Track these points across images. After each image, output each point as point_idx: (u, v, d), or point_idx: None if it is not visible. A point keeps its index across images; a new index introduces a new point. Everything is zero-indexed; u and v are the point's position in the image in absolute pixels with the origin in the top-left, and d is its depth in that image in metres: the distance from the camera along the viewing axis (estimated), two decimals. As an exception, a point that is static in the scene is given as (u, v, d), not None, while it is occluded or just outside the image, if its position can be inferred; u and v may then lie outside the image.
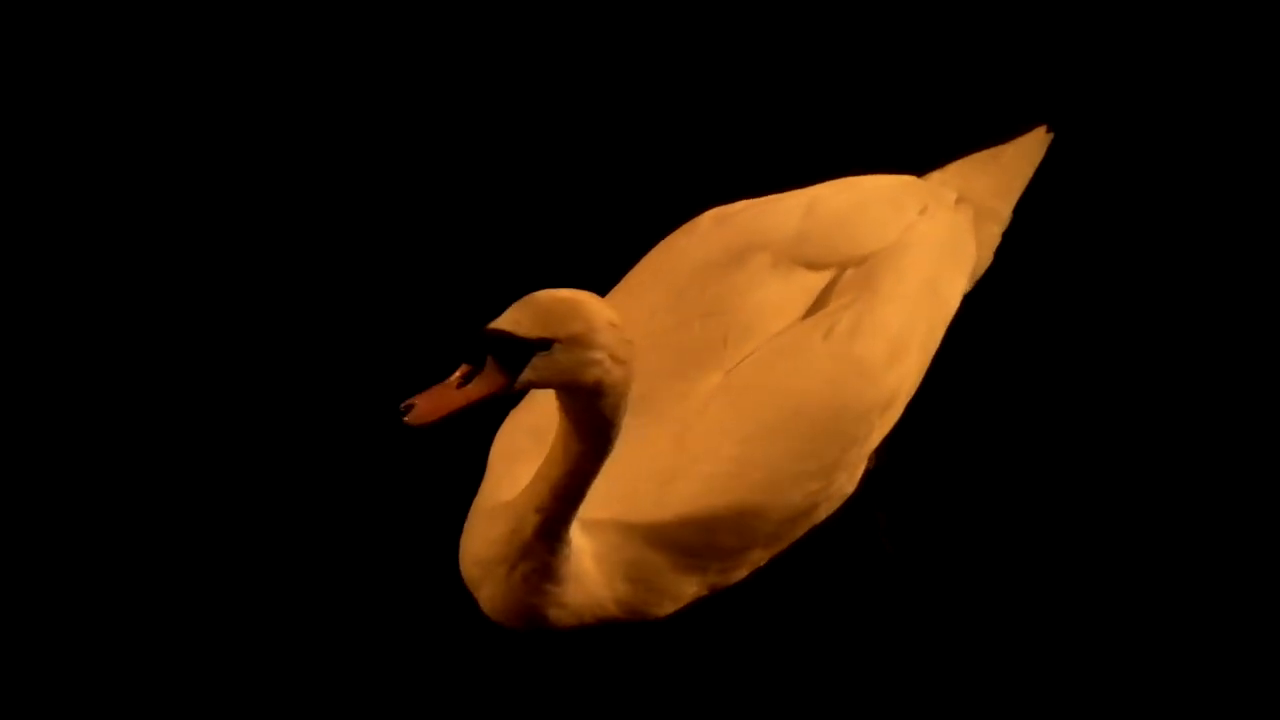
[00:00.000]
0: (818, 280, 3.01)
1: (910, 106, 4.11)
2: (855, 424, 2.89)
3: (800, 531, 2.92)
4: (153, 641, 3.11)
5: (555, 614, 2.81)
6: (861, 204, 3.13)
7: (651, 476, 2.82)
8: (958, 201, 3.25)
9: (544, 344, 2.52)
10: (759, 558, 2.91)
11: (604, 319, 2.55)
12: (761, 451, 2.81)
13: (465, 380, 2.54)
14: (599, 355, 2.54)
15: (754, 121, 4.20)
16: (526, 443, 2.91)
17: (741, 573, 2.91)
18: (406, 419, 2.52)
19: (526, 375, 2.53)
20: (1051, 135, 3.38)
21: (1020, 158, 3.36)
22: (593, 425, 2.62)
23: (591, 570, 2.81)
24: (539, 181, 4.08)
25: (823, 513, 2.94)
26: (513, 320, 2.52)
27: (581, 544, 2.80)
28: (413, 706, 3.01)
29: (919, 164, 3.39)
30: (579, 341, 2.53)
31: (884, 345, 2.93)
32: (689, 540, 2.82)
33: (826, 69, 4.24)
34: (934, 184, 3.30)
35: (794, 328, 2.94)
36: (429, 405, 2.52)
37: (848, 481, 2.95)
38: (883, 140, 4.00)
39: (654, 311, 2.98)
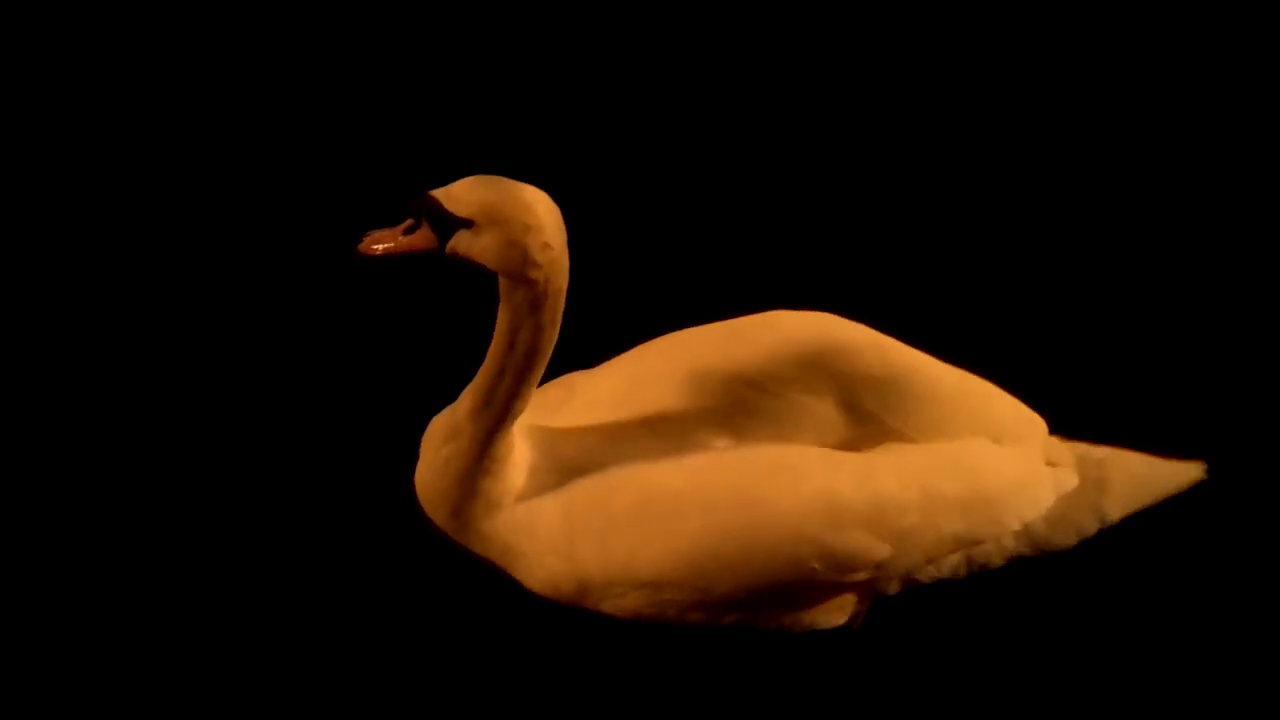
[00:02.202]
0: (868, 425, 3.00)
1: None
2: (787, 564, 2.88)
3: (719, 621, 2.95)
4: (150, 634, 3.09)
5: (473, 509, 2.95)
6: (961, 393, 3.07)
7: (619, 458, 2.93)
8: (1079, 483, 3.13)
9: (466, 222, 2.75)
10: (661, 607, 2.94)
11: (524, 220, 2.73)
12: (715, 541, 2.85)
13: (409, 231, 2.80)
14: (516, 249, 2.74)
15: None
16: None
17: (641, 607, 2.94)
18: (358, 246, 2.80)
19: (452, 244, 2.77)
20: (1205, 476, 3.18)
21: (1166, 480, 3.17)
22: (518, 321, 2.81)
23: (522, 482, 2.95)
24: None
25: (731, 619, 2.95)
26: (447, 193, 2.76)
27: (522, 459, 2.96)
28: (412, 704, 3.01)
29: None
30: (499, 230, 2.73)
31: (866, 504, 2.89)
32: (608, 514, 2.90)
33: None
34: (1060, 445, 3.16)
35: (810, 449, 2.93)
36: (375, 240, 2.81)
37: (770, 616, 2.96)
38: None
39: (712, 360, 3.02)
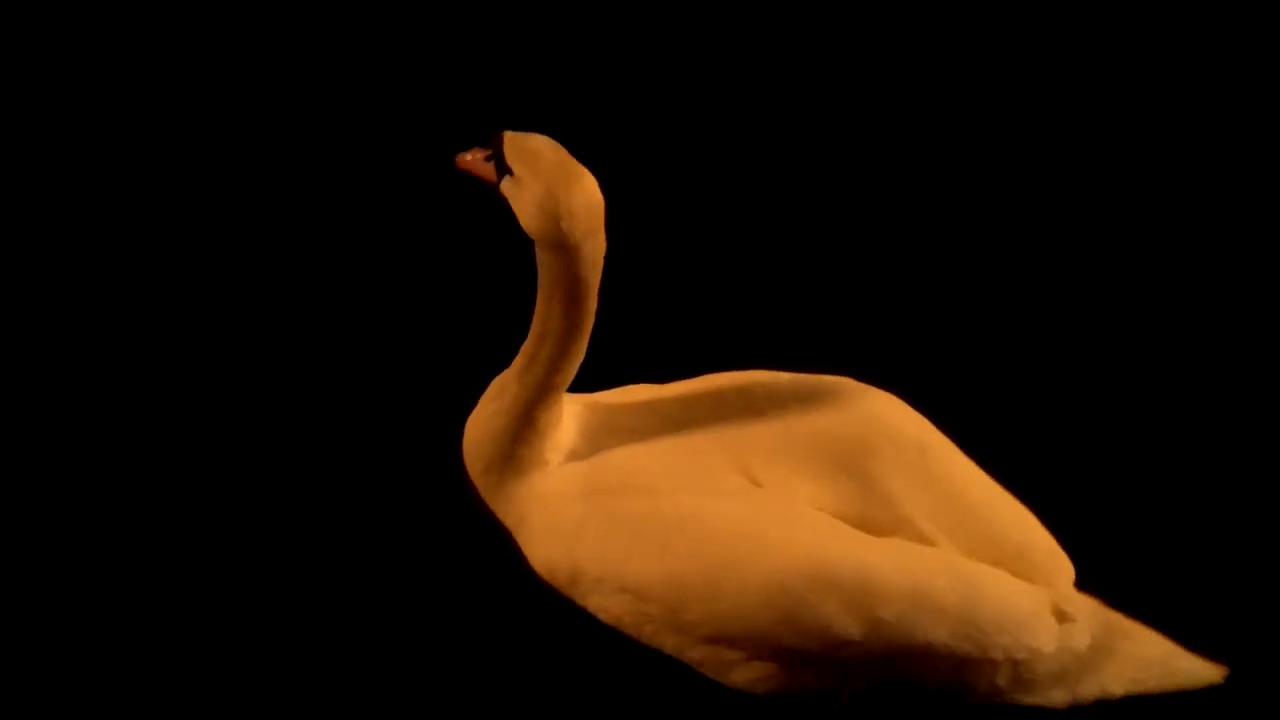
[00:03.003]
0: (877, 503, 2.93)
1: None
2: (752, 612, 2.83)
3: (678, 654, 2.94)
4: (148, 627, 3.21)
5: (505, 470, 3.01)
6: (993, 510, 2.95)
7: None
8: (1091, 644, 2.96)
9: (508, 170, 2.83)
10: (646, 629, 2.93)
11: (558, 187, 2.78)
12: (699, 565, 2.82)
13: (487, 160, 2.89)
14: (545, 214, 2.77)
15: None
16: None
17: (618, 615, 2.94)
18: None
19: (504, 185, 2.84)
20: (1224, 679, 3.00)
21: (1181, 673, 2.98)
22: (549, 291, 2.85)
23: (559, 460, 3.00)
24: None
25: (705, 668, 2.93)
26: (514, 136, 2.85)
27: (566, 438, 3.01)
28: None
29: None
30: (536, 188, 2.78)
31: (853, 578, 2.80)
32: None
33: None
34: (1082, 600, 2.98)
35: (826, 516, 2.88)
36: (463, 154, 2.91)
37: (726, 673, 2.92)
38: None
39: (773, 414, 3.00)
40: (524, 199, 2.78)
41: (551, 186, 2.75)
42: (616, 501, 2.89)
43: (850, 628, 2.75)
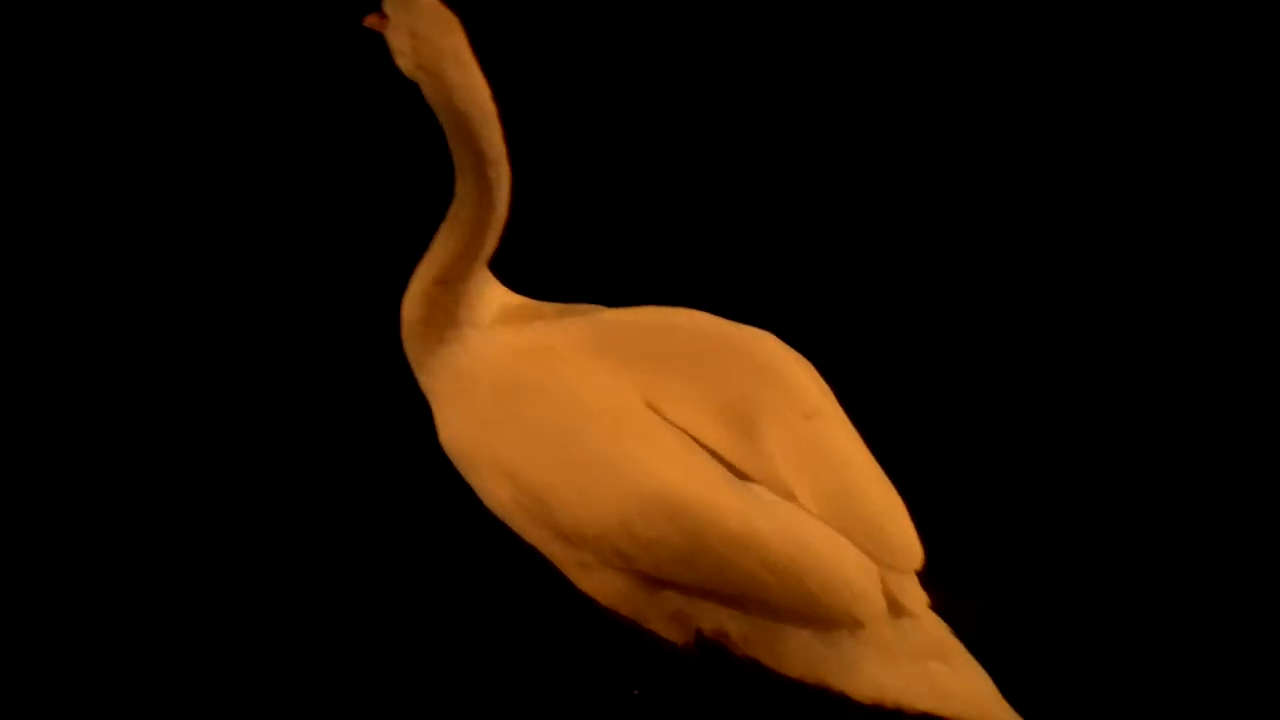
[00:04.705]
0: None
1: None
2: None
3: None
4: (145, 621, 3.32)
5: (424, 337, 3.13)
6: (858, 484, 3.02)
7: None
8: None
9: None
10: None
11: (410, 11, 2.93)
12: (557, 450, 2.98)
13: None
14: (399, 42, 2.95)
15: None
16: None
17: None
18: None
19: (386, 31, 2.98)
20: None
21: (968, 709, 3.03)
22: (452, 135, 2.98)
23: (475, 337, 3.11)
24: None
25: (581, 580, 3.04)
26: None
27: (486, 316, 3.12)
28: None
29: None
30: (394, 20, 2.95)
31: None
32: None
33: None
34: (920, 596, 3.04)
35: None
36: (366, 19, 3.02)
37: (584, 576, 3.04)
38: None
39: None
40: (392, 38, 2.96)
41: (409, 18, 2.91)
42: (519, 393, 3.02)
43: (683, 551, 2.88)
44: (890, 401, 3.58)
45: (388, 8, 2.98)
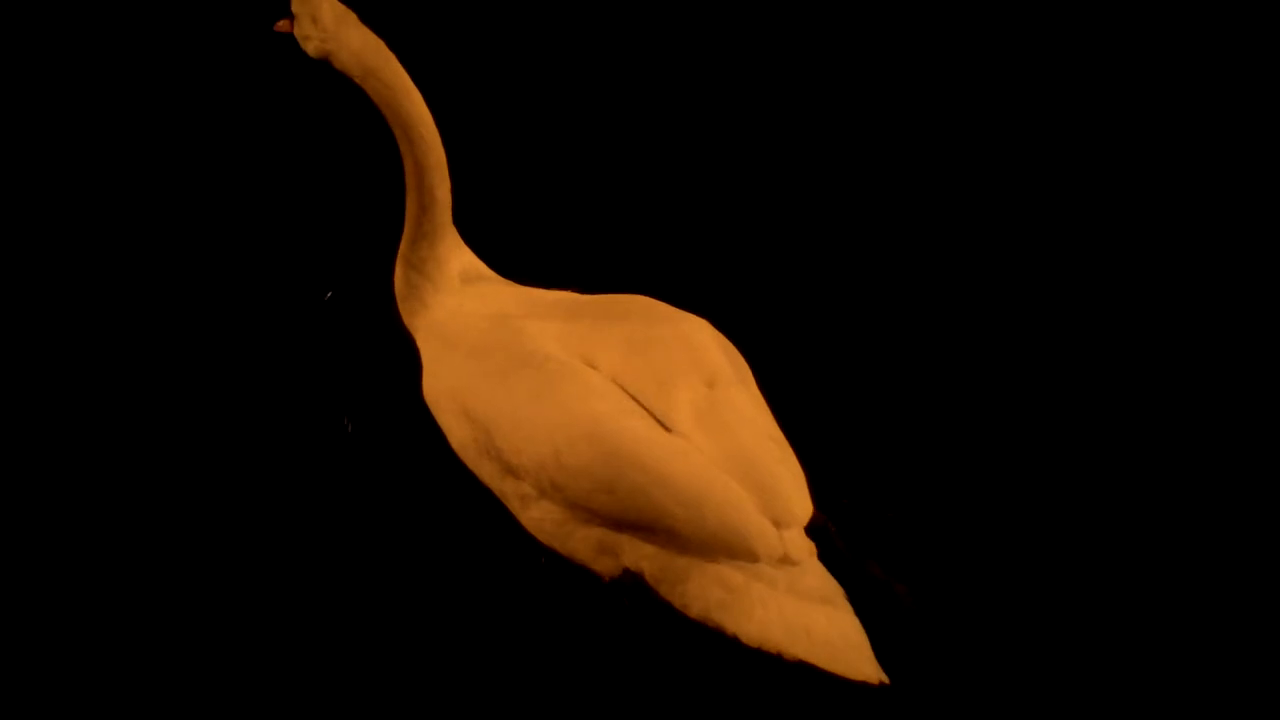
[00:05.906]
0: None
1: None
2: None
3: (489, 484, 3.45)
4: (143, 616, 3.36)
5: (409, 302, 3.64)
6: (757, 441, 3.32)
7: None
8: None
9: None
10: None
11: (308, 3, 3.32)
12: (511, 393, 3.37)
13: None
14: (302, 31, 3.38)
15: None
16: None
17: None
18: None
19: (295, 31, 3.41)
20: (878, 685, 3.23)
21: (847, 662, 3.24)
22: (384, 110, 3.42)
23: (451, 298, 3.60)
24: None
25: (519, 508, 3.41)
26: None
27: (461, 284, 3.61)
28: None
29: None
30: (297, 15, 3.34)
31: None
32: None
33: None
34: (808, 547, 3.28)
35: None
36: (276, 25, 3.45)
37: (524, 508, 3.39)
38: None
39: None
40: (298, 29, 3.36)
41: (308, 6, 3.32)
42: (480, 350, 3.44)
43: (605, 480, 3.21)
44: (864, 391, 3.88)
45: (293, 7, 3.34)
